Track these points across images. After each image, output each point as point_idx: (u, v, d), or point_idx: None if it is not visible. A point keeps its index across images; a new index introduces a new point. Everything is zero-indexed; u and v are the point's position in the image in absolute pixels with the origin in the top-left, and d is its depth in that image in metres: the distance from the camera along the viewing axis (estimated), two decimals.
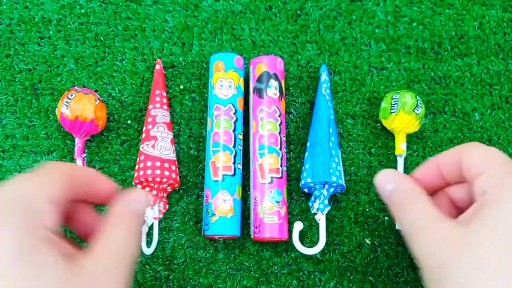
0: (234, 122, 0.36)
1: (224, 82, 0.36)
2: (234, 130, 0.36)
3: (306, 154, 0.39)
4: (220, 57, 0.38)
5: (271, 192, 0.36)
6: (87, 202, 0.26)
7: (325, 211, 0.38)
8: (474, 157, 0.26)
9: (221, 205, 0.35)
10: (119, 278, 0.22)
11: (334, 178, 0.37)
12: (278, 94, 0.38)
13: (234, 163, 0.36)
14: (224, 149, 0.36)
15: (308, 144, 0.39)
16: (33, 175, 0.22)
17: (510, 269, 0.21)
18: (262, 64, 0.38)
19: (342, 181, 0.38)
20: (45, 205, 0.20)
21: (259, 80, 0.38)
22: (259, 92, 0.38)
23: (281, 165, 0.37)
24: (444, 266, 0.23)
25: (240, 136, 0.37)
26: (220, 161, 0.35)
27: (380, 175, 0.30)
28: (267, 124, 0.37)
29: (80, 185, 0.24)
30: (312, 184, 0.38)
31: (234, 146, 0.36)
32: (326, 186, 0.37)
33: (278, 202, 0.36)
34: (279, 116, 0.38)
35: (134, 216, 0.25)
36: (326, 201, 0.38)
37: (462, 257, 0.23)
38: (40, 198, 0.20)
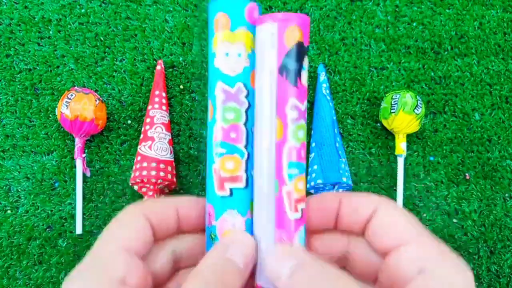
0: (246, 111, 0.25)
1: (230, 49, 0.24)
2: (245, 123, 0.25)
3: (313, 154, 0.39)
4: (224, 7, 0.24)
5: (300, 231, 0.24)
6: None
7: None
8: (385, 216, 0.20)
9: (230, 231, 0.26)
10: None
11: (344, 179, 0.37)
12: (307, 83, 0.24)
13: (246, 170, 0.25)
14: (232, 151, 0.25)
15: (314, 144, 0.39)
16: (112, 224, 0.21)
17: None
18: (296, 29, 0.23)
19: (351, 181, 0.38)
20: (117, 257, 0.19)
21: (290, 55, 0.23)
22: (288, 74, 0.23)
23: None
24: None
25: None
26: (227, 169, 0.25)
27: (276, 253, 0.21)
28: (300, 130, 0.24)
29: (161, 224, 0.22)
30: (322, 185, 0.38)
31: (246, 146, 0.25)
32: (336, 186, 0.38)
33: (305, 243, 0.24)
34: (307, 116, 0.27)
35: (227, 267, 0.20)
36: None
37: None
38: (112, 250, 0.20)
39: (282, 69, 0.23)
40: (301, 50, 0.24)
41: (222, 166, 0.25)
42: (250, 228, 0.25)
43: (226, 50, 0.24)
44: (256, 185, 0.24)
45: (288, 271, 0.19)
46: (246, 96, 0.25)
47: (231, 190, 0.25)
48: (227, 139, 0.25)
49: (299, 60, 0.24)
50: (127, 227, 0.21)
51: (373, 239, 0.21)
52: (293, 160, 0.24)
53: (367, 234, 0.21)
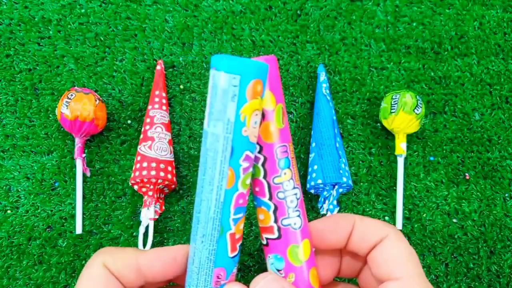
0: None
1: (257, 117, 0.22)
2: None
3: (313, 154, 0.39)
4: (258, 72, 0.20)
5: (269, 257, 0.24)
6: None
7: (335, 212, 0.38)
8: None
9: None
10: None
11: (344, 179, 0.37)
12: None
13: (275, 221, 0.24)
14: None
15: (314, 144, 0.39)
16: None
17: None
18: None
19: (351, 181, 0.38)
20: None
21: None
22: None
23: (275, 221, 0.24)
24: None
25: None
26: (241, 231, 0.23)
27: None
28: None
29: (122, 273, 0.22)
30: (322, 185, 0.38)
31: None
32: (336, 187, 0.38)
33: (279, 271, 0.24)
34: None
35: None
36: (335, 202, 0.38)
37: None
38: None
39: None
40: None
41: (238, 229, 0.23)
42: None
43: (255, 119, 0.22)
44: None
45: None
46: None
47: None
48: (248, 199, 0.24)
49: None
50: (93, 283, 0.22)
51: (373, 266, 0.22)
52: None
53: (369, 259, 0.22)
